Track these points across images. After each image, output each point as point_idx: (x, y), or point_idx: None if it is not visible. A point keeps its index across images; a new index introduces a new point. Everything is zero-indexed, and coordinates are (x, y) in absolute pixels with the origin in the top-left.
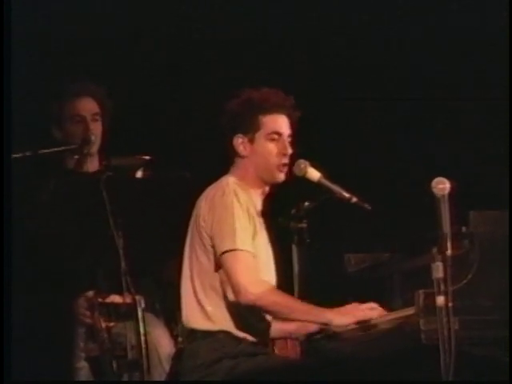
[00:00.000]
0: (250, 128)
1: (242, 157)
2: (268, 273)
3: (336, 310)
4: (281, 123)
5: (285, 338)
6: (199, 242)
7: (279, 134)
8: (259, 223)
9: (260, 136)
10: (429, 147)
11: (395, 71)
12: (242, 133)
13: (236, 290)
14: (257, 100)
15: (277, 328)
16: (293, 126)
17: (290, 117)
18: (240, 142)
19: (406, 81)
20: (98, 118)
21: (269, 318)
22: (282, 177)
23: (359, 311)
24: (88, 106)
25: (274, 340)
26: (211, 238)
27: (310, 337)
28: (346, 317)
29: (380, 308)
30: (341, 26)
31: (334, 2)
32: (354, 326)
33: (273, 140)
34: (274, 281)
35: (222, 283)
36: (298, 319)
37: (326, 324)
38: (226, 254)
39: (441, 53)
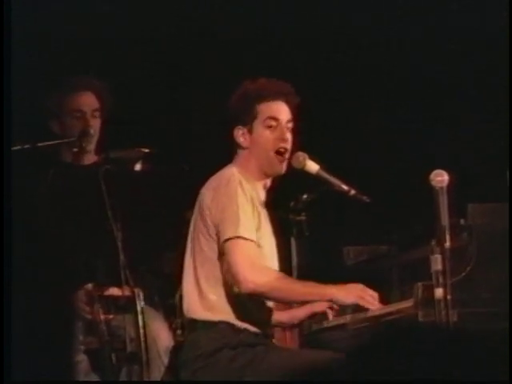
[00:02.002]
0: (248, 118)
1: (244, 148)
2: (272, 264)
3: (339, 286)
4: (277, 109)
5: (281, 327)
6: (203, 230)
7: (276, 119)
8: (263, 215)
9: (257, 124)
10: (427, 140)
11: (395, 60)
12: (242, 124)
13: (236, 279)
14: (253, 89)
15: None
16: (293, 111)
17: (288, 103)
18: (240, 134)
19: (406, 81)
20: (97, 114)
21: (271, 306)
22: (282, 168)
23: (363, 295)
24: (88, 101)
25: (272, 331)
26: (215, 227)
27: (303, 323)
28: (349, 296)
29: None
30: (341, 25)
31: (333, 1)
32: (350, 319)
33: (270, 127)
34: None
35: (223, 272)
36: (300, 301)
37: (329, 301)
38: (229, 242)
39: (441, 53)
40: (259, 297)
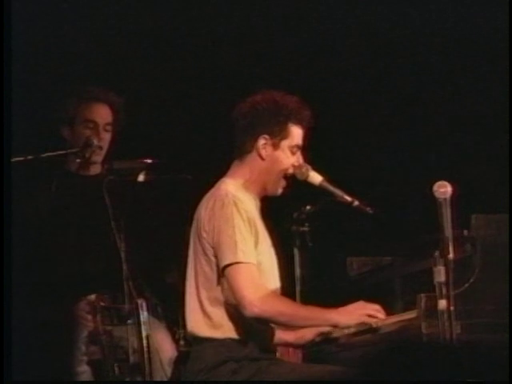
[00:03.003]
0: (278, 133)
1: (260, 158)
2: (272, 278)
3: (341, 309)
4: (302, 137)
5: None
6: (202, 252)
7: (299, 147)
8: (261, 228)
9: (285, 145)
10: (430, 150)
11: (396, 71)
12: (270, 135)
13: (241, 304)
14: (287, 107)
15: (276, 337)
16: (304, 138)
17: (305, 129)
18: (263, 143)
19: (407, 81)
20: (109, 128)
21: (273, 326)
22: (280, 191)
23: (365, 311)
24: (103, 114)
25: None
26: (213, 249)
27: (309, 344)
28: (351, 317)
29: (383, 312)
30: (340, 26)
31: (334, 3)
32: (355, 330)
33: (293, 153)
34: (278, 285)
35: (225, 294)
36: (304, 325)
37: (332, 326)
38: (229, 268)
39: (441, 53)
40: (264, 321)
